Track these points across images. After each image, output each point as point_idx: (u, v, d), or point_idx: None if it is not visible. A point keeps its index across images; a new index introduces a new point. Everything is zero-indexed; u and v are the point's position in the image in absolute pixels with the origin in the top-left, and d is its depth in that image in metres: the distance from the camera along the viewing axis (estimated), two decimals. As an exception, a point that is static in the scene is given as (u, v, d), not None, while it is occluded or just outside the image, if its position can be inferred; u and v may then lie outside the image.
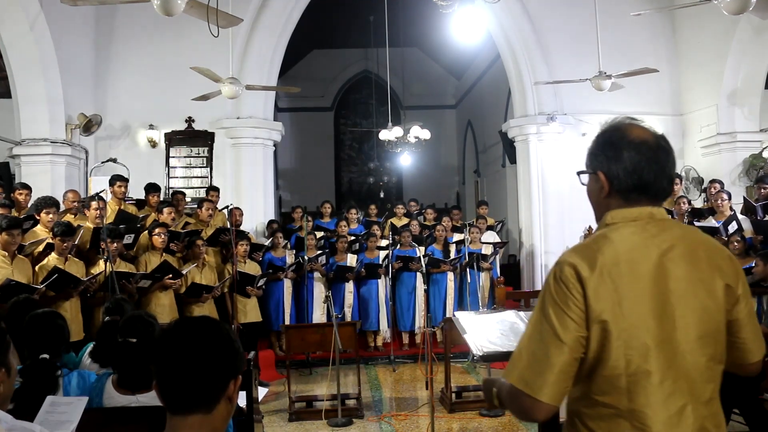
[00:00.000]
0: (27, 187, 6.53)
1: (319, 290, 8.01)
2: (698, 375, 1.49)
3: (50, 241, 5.44)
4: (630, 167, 1.55)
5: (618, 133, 1.59)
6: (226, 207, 7.64)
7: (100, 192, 6.44)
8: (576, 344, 1.46)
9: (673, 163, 1.60)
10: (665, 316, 1.48)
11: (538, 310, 1.53)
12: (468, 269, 8.31)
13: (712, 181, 7.81)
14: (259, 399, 4.32)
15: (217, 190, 8.24)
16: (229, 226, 7.12)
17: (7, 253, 4.94)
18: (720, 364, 1.55)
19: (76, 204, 6.57)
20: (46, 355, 2.82)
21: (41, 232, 5.67)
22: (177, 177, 9.30)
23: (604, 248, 1.50)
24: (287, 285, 7.91)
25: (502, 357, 2.83)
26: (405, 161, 14.33)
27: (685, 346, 1.48)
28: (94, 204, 5.98)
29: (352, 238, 8.67)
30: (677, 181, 8.05)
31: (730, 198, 6.96)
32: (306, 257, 7.74)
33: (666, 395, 1.46)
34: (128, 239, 6.28)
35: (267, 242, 8.18)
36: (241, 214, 8.09)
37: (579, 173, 1.66)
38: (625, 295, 1.46)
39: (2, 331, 1.58)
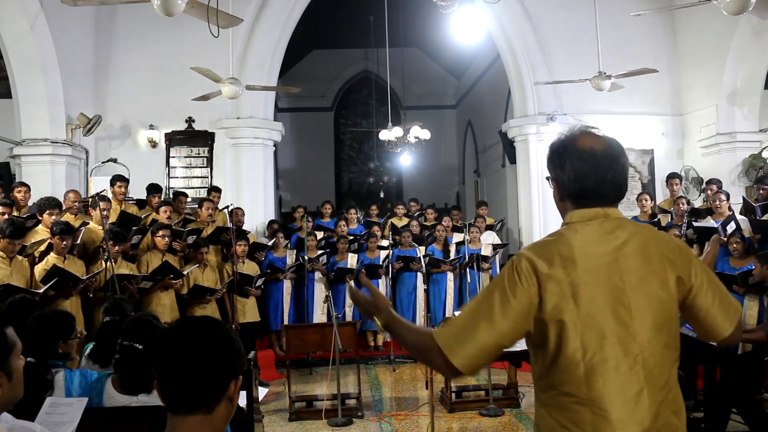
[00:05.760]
0: (25, 185, 6.54)
1: (320, 290, 8.02)
2: (654, 361, 1.58)
3: (50, 241, 5.44)
4: (572, 175, 1.68)
5: (566, 142, 1.72)
6: (227, 207, 7.65)
7: (101, 192, 6.44)
8: (508, 332, 1.57)
9: (621, 169, 1.69)
10: (621, 306, 1.57)
11: (483, 291, 1.65)
12: (468, 269, 8.32)
13: (709, 182, 7.80)
14: (259, 399, 4.32)
15: (218, 191, 8.24)
16: (229, 226, 7.13)
17: (5, 254, 4.94)
18: (675, 351, 1.64)
19: (77, 204, 6.58)
20: (31, 359, 2.80)
21: (43, 232, 5.68)
22: (177, 177, 9.29)
23: (559, 244, 1.61)
24: (287, 285, 7.91)
25: (502, 357, 2.84)
26: (405, 161, 14.33)
27: (640, 334, 1.57)
28: (103, 204, 5.97)
29: (351, 238, 8.68)
30: (677, 181, 8.05)
31: (728, 198, 6.95)
32: (306, 257, 7.75)
33: (622, 381, 1.55)
34: (135, 240, 6.30)
35: (269, 242, 8.18)
36: (243, 214, 8.11)
37: (547, 178, 1.78)
38: (581, 287, 1.56)
39: (3, 335, 1.57)
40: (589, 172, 1.66)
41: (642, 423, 1.54)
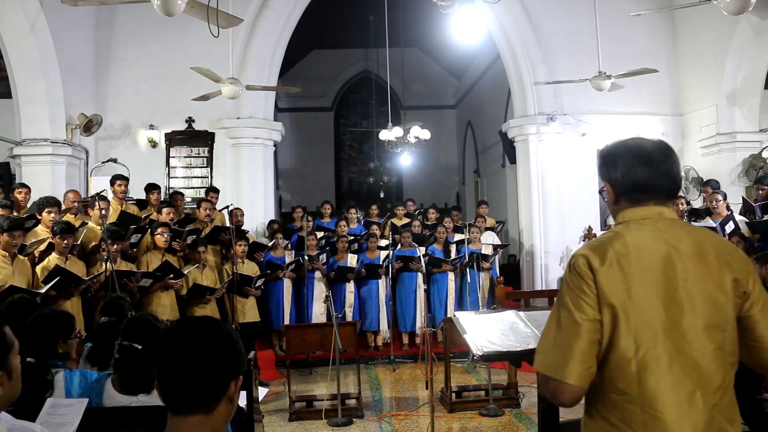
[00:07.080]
0: (25, 186, 6.55)
1: (320, 290, 8.01)
2: (706, 363, 1.54)
3: (51, 240, 5.44)
4: (625, 170, 1.70)
5: (615, 144, 1.77)
6: (226, 207, 7.65)
7: (101, 192, 6.44)
8: (592, 326, 1.55)
9: (673, 163, 1.70)
10: (674, 304, 1.55)
11: (557, 300, 1.65)
12: (468, 269, 8.31)
13: (705, 184, 7.80)
14: (260, 399, 4.32)
15: (216, 191, 8.24)
16: (228, 226, 7.12)
17: (7, 254, 4.94)
18: (731, 356, 1.60)
19: (76, 204, 6.58)
20: (31, 359, 2.80)
21: (42, 231, 5.68)
22: (177, 177, 9.30)
23: (614, 242, 1.61)
24: (287, 285, 7.91)
25: (502, 357, 2.83)
26: (405, 161, 14.33)
27: (692, 333, 1.55)
28: (102, 203, 5.98)
29: (351, 238, 8.68)
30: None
31: (725, 198, 6.94)
32: (306, 256, 7.74)
33: (675, 380, 1.52)
34: (134, 239, 6.29)
35: (269, 243, 8.18)
36: (242, 214, 8.12)
37: (600, 191, 1.78)
38: (635, 283, 1.55)
39: (3, 334, 1.57)
40: (641, 165, 1.68)
41: (696, 426, 1.51)
